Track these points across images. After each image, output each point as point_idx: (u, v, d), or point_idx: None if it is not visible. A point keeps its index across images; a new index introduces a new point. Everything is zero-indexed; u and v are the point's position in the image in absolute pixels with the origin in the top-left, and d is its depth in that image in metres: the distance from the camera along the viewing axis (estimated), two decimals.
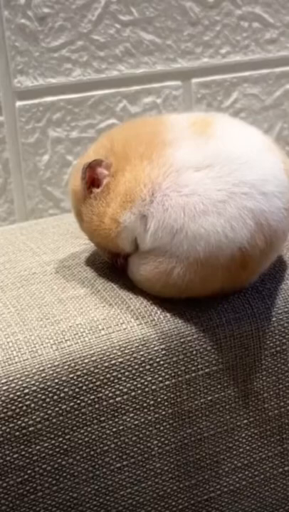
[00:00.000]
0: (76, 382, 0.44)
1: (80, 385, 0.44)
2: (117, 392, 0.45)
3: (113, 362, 0.45)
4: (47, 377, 0.44)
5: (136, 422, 0.46)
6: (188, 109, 0.77)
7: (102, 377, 0.45)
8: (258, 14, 0.78)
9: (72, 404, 0.44)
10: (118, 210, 0.46)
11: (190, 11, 0.74)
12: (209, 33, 0.76)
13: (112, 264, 0.51)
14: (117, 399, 0.45)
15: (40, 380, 0.44)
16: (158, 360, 0.46)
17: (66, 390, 0.44)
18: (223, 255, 0.44)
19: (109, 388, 0.45)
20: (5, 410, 0.43)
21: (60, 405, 0.44)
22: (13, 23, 0.67)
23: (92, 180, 0.48)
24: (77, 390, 0.44)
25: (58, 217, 0.70)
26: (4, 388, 0.43)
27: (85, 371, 0.44)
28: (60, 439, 0.44)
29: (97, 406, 0.45)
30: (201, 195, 0.44)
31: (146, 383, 0.46)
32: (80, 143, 0.73)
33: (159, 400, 0.46)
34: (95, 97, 0.73)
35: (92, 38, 0.71)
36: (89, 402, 0.45)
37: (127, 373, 0.45)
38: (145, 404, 0.46)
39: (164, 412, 0.46)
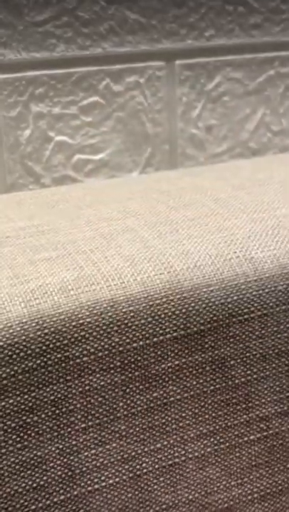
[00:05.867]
0: (44, 340, 0.44)
1: (48, 342, 0.44)
2: (85, 352, 0.45)
3: (81, 321, 0.45)
4: (14, 333, 0.44)
5: (102, 383, 0.46)
6: (171, 90, 0.77)
7: (69, 336, 0.45)
8: None
9: (39, 361, 0.44)
10: None
11: None
12: (194, 15, 0.76)
13: None
14: (84, 358, 0.45)
15: (8, 336, 0.44)
16: (126, 322, 0.46)
17: (33, 347, 0.44)
18: None
19: (77, 347, 0.45)
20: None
21: (26, 362, 0.44)
22: None
23: None
24: (44, 347, 0.44)
25: (37, 191, 0.71)
26: None
27: (52, 329, 0.45)
28: (26, 397, 0.44)
29: (64, 365, 0.45)
30: None
31: (113, 344, 0.46)
32: (62, 119, 0.74)
33: (126, 361, 0.46)
34: (78, 73, 0.73)
35: (77, 15, 0.72)
36: (56, 360, 0.45)
37: (94, 333, 0.45)
38: (112, 366, 0.46)
39: (130, 374, 0.47)
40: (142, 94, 0.76)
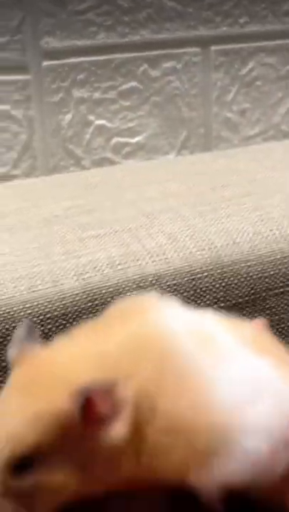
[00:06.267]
0: (94, 310, 0.48)
1: (98, 313, 0.48)
2: None
3: (128, 294, 0.49)
4: (67, 304, 0.47)
5: None
6: (206, 75, 0.80)
7: None
8: None
9: None
10: None
11: None
12: (229, 3, 0.79)
13: None
14: None
15: (62, 306, 0.47)
16: (169, 294, 0.50)
17: (85, 317, 0.48)
18: None
19: None
20: None
21: None
22: None
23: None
24: (95, 317, 0.48)
25: (77, 173, 0.74)
26: (28, 312, 0.47)
27: (102, 300, 0.48)
28: None
29: None
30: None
31: None
32: (102, 104, 0.77)
33: None
34: (117, 59, 0.76)
35: (117, 3, 0.75)
36: None
37: None
38: None
39: None
40: (179, 79, 0.79)
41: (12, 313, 0.46)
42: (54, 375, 0.30)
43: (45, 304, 0.47)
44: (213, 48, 0.80)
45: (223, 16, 0.79)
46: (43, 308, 0.47)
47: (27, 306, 0.47)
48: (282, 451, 0.30)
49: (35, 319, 0.47)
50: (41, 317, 0.47)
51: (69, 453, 0.29)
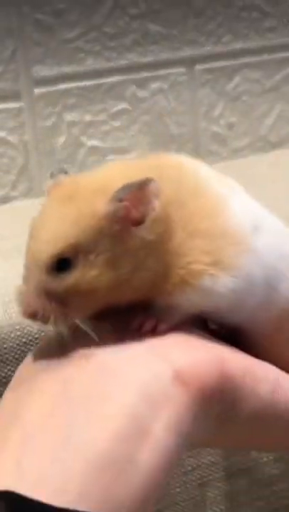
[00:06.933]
0: None
1: None
2: None
3: None
4: None
5: None
6: (193, 93, 0.84)
7: None
8: (257, 5, 0.84)
9: None
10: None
11: (194, 3, 0.81)
12: (212, 23, 0.83)
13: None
14: None
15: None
16: None
17: None
18: None
19: None
20: (19, 352, 0.51)
21: None
22: (31, 18, 0.75)
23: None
24: None
25: None
26: (18, 334, 0.51)
27: None
28: None
29: None
30: None
31: None
32: (93, 126, 0.81)
33: None
34: (106, 83, 0.80)
35: (104, 30, 0.79)
36: None
37: None
38: None
39: None
40: (166, 98, 0.83)
41: (3, 335, 0.50)
42: (92, 187, 0.34)
43: (34, 326, 0.51)
44: (198, 66, 0.83)
45: (206, 36, 0.83)
46: (31, 330, 0.51)
47: (16, 328, 0.51)
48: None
49: (24, 340, 0.51)
50: (30, 337, 0.51)
51: (104, 252, 0.33)
